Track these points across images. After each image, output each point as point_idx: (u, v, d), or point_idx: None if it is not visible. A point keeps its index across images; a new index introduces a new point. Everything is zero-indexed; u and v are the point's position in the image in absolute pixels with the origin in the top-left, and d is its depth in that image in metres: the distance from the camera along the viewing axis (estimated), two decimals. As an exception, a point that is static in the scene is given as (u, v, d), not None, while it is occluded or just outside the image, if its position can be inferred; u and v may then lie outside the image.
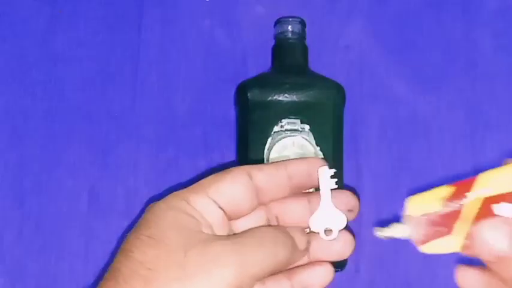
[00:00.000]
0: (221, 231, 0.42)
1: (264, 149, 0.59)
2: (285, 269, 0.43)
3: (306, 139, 0.59)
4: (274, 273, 0.41)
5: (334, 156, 0.60)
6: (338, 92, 0.62)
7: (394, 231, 0.47)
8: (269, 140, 0.59)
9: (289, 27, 0.63)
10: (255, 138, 0.59)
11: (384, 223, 0.63)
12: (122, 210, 0.63)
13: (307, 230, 0.47)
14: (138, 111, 0.65)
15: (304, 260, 0.46)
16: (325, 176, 0.48)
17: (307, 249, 0.44)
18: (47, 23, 0.67)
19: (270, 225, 0.44)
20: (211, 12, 0.68)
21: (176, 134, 0.65)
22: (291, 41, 0.63)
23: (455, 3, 0.68)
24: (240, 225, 0.45)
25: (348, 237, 0.47)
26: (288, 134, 0.59)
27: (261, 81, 0.60)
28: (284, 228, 0.43)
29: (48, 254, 0.62)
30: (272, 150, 0.59)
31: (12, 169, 0.64)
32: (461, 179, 0.49)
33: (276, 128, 0.60)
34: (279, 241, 0.41)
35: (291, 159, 0.48)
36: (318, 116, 0.60)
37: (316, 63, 0.64)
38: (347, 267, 0.60)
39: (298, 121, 0.60)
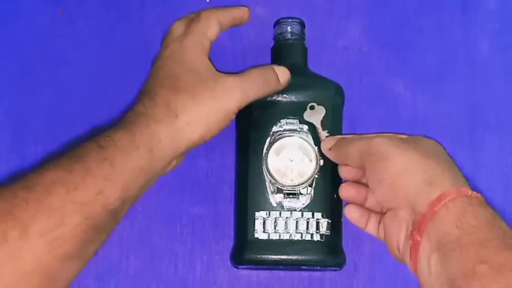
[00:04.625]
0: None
1: (263, 148, 0.60)
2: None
3: (305, 139, 0.60)
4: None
5: (333, 156, 0.60)
6: (337, 92, 0.62)
7: None
8: (268, 139, 0.60)
9: (289, 28, 0.63)
10: (254, 138, 0.59)
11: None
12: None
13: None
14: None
15: None
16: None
17: (284, 83, 0.60)
18: (48, 24, 0.67)
19: (262, 67, 0.59)
20: (211, 13, 0.68)
21: (176, 134, 0.65)
22: (290, 41, 0.63)
23: (454, 4, 0.68)
24: None
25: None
26: (287, 134, 0.60)
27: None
28: (271, 68, 0.59)
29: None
30: (271, 150, 0.59)
31: (13, 169, 0.64)
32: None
33: (275, 128, 0.60)
34: (267, 79, 0.59)
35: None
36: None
37: (316, 64, 0.65)
38: (346, 266, 0.61)
39: (297, 121, 0.60)
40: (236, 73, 0.58)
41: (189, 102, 0.55)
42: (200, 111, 0.55)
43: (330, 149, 0.59)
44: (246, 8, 0.63)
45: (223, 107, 0.56)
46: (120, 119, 0.54)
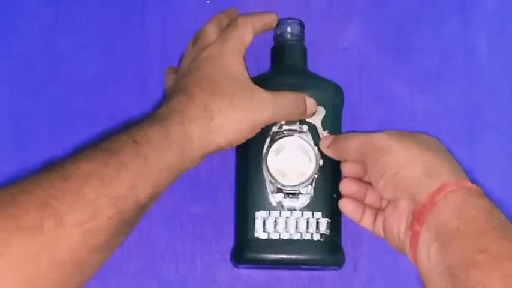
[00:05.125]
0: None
1: (262, 148, 0.60)
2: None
3: (304, 139, 0.60)
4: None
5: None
6: (336, 92, 0.63)
7: None
8: (268, 140, 0.60)
9: (289, 29, 0.64)
10: (254, 138, 0.59)
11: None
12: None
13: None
14: (141, 112, 0.66)
15: None
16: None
17: (309, 115, 0.61)
18: (50, 25, 0.68)
19: (295, 93, 0.60)
20: (212, 13, 0.68)
21: (177, 134, 0.65)
22: (290, 42, 0.64)
23: (453, 5, 0.68)
24: None
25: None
26: (287, 134, 0.60)
27: (260, 82, 0.60)
28: (303, 97, 0.60)
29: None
30: (270, 150, 0.60)
31: (15, 169, 0.64)
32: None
33: (274, 128, 0.60)
34: (297, 106, 0.59)
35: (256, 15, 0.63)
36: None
37: (315, 65, 0.65)
38: (345, 265, 0.61)
39: (297, 121, 0.61)
40: (269, 90, 0.59)
41: (226, 106, 0.56)
42: (234, 118, 0.56)
43: (328, 147, 0.60)
44: (275, 15, 0.64)
45: (255, 119, 0.57)
46: (154, 113, 0.55)
